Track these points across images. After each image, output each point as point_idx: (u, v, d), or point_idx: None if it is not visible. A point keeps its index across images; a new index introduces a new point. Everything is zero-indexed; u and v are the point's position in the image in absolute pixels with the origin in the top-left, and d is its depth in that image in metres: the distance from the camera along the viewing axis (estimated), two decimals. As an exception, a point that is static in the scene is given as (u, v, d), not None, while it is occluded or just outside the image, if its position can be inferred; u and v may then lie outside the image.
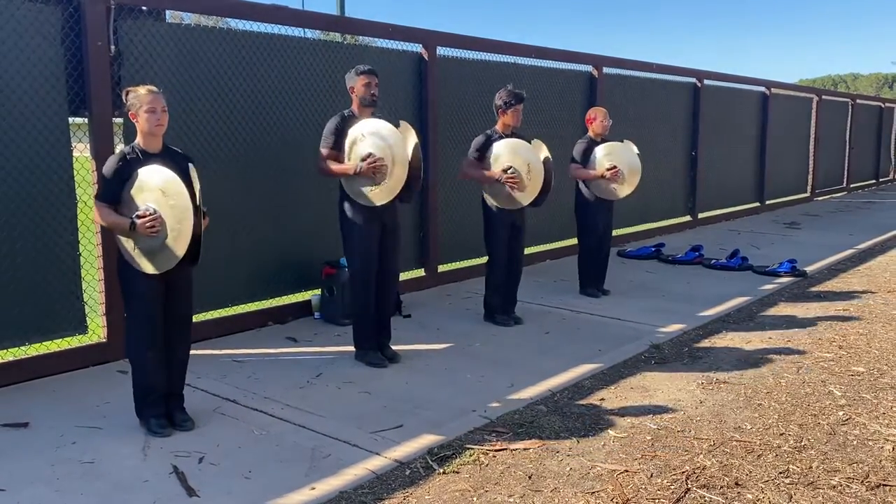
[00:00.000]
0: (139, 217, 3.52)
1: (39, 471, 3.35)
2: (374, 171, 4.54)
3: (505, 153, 5.53)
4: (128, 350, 3.84)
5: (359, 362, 4.86)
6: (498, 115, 5.64)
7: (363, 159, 4.56)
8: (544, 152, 5.60)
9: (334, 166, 4.68)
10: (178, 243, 3.53)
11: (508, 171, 5.46)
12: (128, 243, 3.62)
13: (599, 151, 6.48)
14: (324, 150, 4.71)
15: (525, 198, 5.54)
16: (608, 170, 6.39)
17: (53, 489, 3.19)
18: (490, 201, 5.65)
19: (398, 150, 4.57)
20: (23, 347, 4.57)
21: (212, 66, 5.32)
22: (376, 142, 4.60)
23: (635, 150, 6.55)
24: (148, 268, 3.60)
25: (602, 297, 6.76)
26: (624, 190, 6.49)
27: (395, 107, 6.47)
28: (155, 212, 3.53)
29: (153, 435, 3.70)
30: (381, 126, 4.64)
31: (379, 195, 4.61)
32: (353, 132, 4.67)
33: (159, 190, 3.54)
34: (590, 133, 6.59)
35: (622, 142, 6.60)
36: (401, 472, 3.36)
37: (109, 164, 3.61)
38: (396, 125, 4.68)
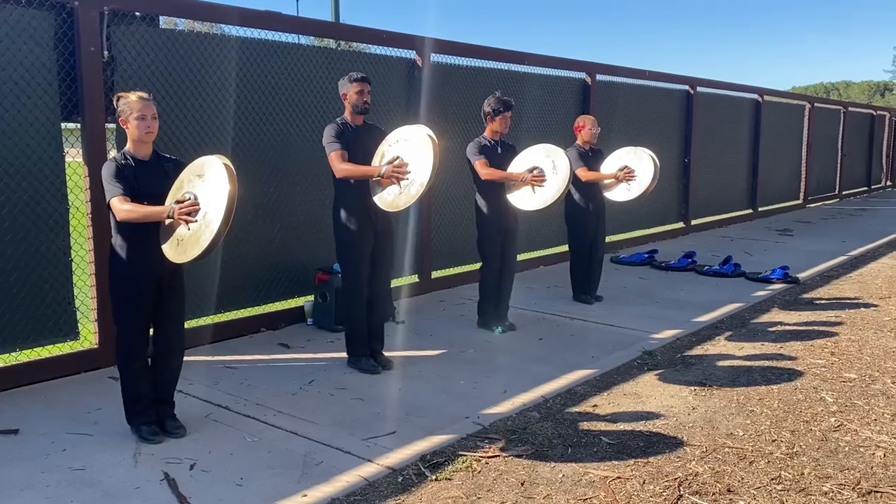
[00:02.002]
0: (178, 202, 3.48)
1: (30, 478, 3.33)
2: (398, 174, 4.53)
3: (531, 156, 5.63)
4: (117, 357, 3.82)
5: (351, 368, 4.85)
6: (486, 122, 5.65)
7: (389, 162, 4.57)
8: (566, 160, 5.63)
9: (361, 167, 4.63)
10: (204, 236, 3.44)
11: (534, 171, 5.52)
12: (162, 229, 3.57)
13: (611, 160, 6.60)
14: (338, 152, 4.61)
15: (545, 198, 5.53)
16: (620, 170, 6.44)
17: (44, 496, 3.17)
18: (513, 202, 5.63)
19: (424, 159, 4.52)
20: (14, 353, 4.54)
21: (205, 71, 5.32)
22: (405, 147, 4.59)
23: (646, 154, 6.55)
24: (170, 252, 3.54)
25: (595, 303, 6.76)
26: (642, 179, 6.45)
27: (388, 113, 6.48)
28: (194, 198, 3.47)
29: (144, 442, 3.68)
30: (413, 133, 4.63)
31: (402, 200, 4.58)
32: (388, 138, 4.68)
33: (204, 181, 3.49)
34: (578, 141, 6.61)
35: (634, 148, 6.66)
36: (393, 479, 3.35)
37: (110, 166, 3.56)
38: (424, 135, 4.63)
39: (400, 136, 4.67)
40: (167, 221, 3.53)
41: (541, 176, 5.51)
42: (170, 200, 3.55)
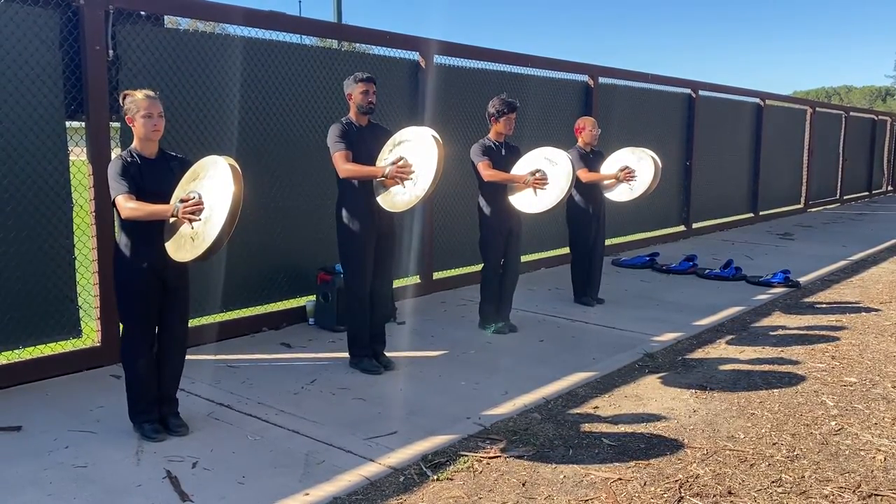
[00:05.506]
0: (182, 201, 3.48)
1: (32, 475, 3.33)
2: (401, 175, 4.54)
3: (534, 160, 5.65)
4: (122, 354, 3.83)
5: (353, 369, 4.86)
6: (490, 123, 5.66)
7: (393, 163, 4.58)
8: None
9: (365, 168, 4.64)
10: (207, 236, 3.43)
11: (537, 174, 5.53)
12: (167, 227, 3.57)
13: (611, 161, 6.62)
14: (343, 152, 4.62)
15: (547, 200, 5.55)
16: (621, 170, 6.46)
17: (46, 493, 3.18)
18: (514, 204, 5.64)
19: (429, 160, 4.52)
20: (16, 351, 4.55)
21: (209, 71, 5.33)
22: (409, 148, 4.59)
23: (647, 154, 6.56)
24: (173, 251, 3.53)
25: (596, 305, 6.77)
26: (643, 179, 6.47)
27: (391, 114, 6.49)
28: (199, 197, 3.48)
29: (147, 440, 3.69)
30: (417, 134, 4.64)
31: (406, 200, 4.58)
32: (392, 139, 4.68)
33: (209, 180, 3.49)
34: (579, 143, 6.63)
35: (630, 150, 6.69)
36: (395, 479, 3.36)
37: (117, 164, 3.57)
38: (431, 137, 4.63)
39: (404, 137, 4.68)
40: (171, 220, 3.53)
41: (543, 179, 5.51)
42: (174, 199, 3.55)
